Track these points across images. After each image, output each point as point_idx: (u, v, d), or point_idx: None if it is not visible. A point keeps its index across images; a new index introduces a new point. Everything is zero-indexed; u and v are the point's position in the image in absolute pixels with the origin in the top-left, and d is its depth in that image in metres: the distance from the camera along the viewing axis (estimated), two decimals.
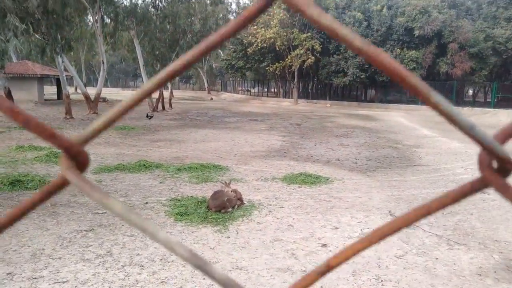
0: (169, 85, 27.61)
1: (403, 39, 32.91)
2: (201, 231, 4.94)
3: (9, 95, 17.59)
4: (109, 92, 46.35)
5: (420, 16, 31.24)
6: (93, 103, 20.34)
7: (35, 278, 3.61)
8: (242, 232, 4.94)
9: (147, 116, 20.19)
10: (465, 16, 33.27)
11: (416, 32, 31.46)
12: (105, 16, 19.93)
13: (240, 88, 58.90)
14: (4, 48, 8.17)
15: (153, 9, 22.03)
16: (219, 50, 46.44)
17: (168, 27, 22.58)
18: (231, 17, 23.85)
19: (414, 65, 31.92)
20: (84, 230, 4.81)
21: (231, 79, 58.40)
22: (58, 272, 3.73)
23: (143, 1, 22.67)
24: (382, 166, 9.64)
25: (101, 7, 18.70)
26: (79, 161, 0.36)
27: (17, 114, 0.34)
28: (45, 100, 27.90)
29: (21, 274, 3.66)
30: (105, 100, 30.96)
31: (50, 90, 38.09)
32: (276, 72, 37.12)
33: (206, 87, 59.57)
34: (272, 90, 53.10)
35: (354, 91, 43.40)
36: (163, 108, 25.24)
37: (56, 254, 4.12)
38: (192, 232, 4.89)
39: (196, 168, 8.47)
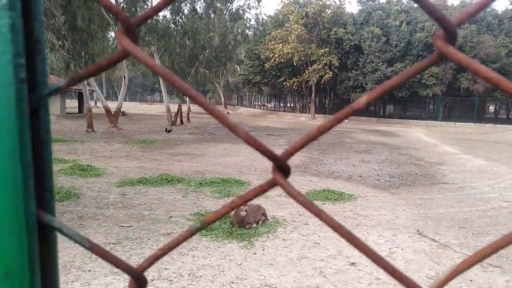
0: (187, 99, 27.97)
1: (423, 54, 32.69)
2: (227, 246, 4.90)
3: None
4: (127, 106, 47.19)
5: None
6: (114, 117, 20.71)
7: None
8: (268, 248, 4.89)
9: (165, 130, 20.44)
10: (486, 31, 32.92)
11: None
12: None
13: (256, 103, 59.32)
14: None
15: (173, 25, 22.50)
16: (236, 65, 47.01)
17: (187, 42, 22.99)
18: (249, 32, 24.13)
19: (434, 81, 31.60)
20: (112, 243, 4.84)
21: (247, 93, 58.85)
22: (88, 285, 3.74)
23: (164, 18, 23.18)
24: (406, 184, 9.47)
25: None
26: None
27: None
28: (67, 113, 28.55)
29: None
30: (124, 114, 31.49)
31: (70, 104, 39.04)
32: (293, 87, 37.25)
33: (222, 101, 60.10)
34: (288, 104, 53.22)
35: (372, 106, 43.11)
36: (181, 122, 25.53)
37: (86, 267, 4.14)
38: (218, 247, 4.85)
39: (218, 183, 8.48)
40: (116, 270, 4.11)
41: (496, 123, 31.68)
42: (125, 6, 18.86)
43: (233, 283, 3.92)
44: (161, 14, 22.54)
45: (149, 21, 21.00)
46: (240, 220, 5.51)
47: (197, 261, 4.41)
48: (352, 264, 4.51)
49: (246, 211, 5.51)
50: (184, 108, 29.21)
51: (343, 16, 35.53)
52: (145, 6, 20.06)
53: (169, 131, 20.13)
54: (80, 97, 29.98)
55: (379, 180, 9.84)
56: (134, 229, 5.42)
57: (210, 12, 22.14)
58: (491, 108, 47.49)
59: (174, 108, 26.16)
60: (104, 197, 7.08)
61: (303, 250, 4.89)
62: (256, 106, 57.11)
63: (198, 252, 4.69)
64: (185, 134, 19.88)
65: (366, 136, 22.50)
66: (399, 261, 4.63)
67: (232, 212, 6.11)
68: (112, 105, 22.58)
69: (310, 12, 34.08)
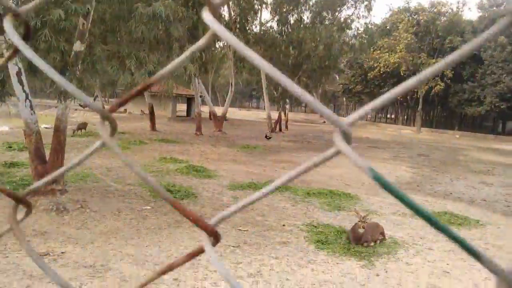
0: (287, 107, 28.26)
1: None
2: (345, 263, 4.70)
3: (152, 110, 19.97)
4: (227, 111, 49.47)
5: None
6: (219, 122, 21.81)
7: (197, 287, 3.80)
8: (392, 271, 4.56)
9: (266, 136, 20.86)
10: None
11: None
12: None
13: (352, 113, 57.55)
14: (180, 73, 9.27)
15: (278, 35, 22.95)
16: (335, 74, 46.21)
17: (292, 51, 23.24)
18: (356, 41, 23.48)
19: None
20: (232, 246, 4.98)
21: (345, 103, 57.46)
22: (216, 286, 3.87)
23: (271, 28, 23.77)
24: None
25: (234, 34, 20.19)
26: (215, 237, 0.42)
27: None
28: (177, 116, 30.96)
29: (185, 281, 3.90)
30: (226, 119, 33.08)
31: (179, 108, 42.33)
32: (399, 98, 35.26)
33: None
34: (388, 115, 50.58)
35: (488, 122, 38.68)
36: (280, 129, 25.83)
37: (212, 267, 4.31)
38: (337, 263, 4.68)
39: (326, 194, 8.29)
40: (239, 273, 4.21)
41: None
42: (238, 18, 19.84)
43: None
44: (268, 24, 23.22)
45: (258, 30, 21.71)
46: (357, 237, 5.26)
47: (318, 276, 4.30)
48: None
49: (363, 228, 5.24)
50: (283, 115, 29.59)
51: (460, 24, 32.62)
52: (256, 17, 20.86)
53: (269, 138, 20.51)
54: (188, 101, 32.28)
55: (509, 206, 8.67)
56: (251, 234, 5.53)
57: (317, 21, 22.10)
58: None
59: (273, 115, 26.67)
60: (219, 199, 7.40)
61: (431, 278, 4.46)
62: None
63: (317, 265, 4.58)
64: (284, 142, 20.06)
65: (483, 154, 20.19)
66: None
67: (346, 226, 5.91)
68: (217, 111, 23.83)
69: (422, 20, 31.99)
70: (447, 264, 4.91)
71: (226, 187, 8.44)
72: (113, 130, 0.46)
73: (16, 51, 0.45)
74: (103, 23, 7.63)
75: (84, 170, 8.64)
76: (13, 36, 0.42)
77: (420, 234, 6.06)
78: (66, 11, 5.21)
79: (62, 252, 4.41)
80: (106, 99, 40.48)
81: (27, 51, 0.43)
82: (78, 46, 5.97)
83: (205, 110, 26.80)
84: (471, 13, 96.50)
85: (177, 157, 11.82)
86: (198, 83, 19.81)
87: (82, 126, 16.71)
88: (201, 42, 0.42)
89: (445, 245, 5.64)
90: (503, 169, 15.05)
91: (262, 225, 5.97)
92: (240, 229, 5.65)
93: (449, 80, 31.52)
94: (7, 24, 0.42)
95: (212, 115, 22.57)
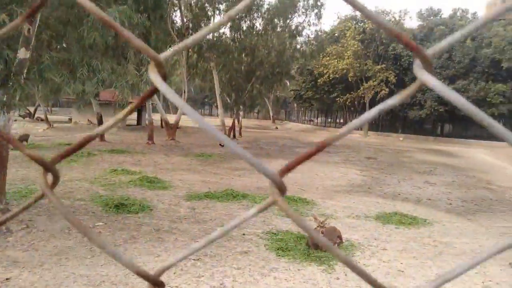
0: (241, 113, 28.38)
1: (489, 72, 30.92)
2: (307, 269, 4.77)
3: (101, 120, 19.16)
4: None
5: (510, 47, 29.24)
6: (172, 130, 21.41)
7: None
8: (351, 274, 4.69)
9: (220, 144, 20.76)
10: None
11: (504, 64, 29.41)
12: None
13: (303, 118, 59.09)
14: (137, 81, 8.91)
15: (231, 42, 23.03)
16: (286, 80, 47.19)
17: (245, 58, 23.40)
18: (307, 48, 24.10)
19: (501, 99, 29.69)
20: (193, 259, 4.88)
21: (295, 108, 58.74)
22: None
23: (223, 35, 23.80)
24: (482, 210, 8.84)
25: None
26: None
27: None
28: (127, 125, 29.97)
29: None
30: (178, 127, 32.54)
31: (129, 116, 40.94)
32: (346, 103, 36.64)
33: (271, 116, 60.35)
34: (337, 120, 52.34)
35: (429, 124, 41.26)
36: (234, 136, 25.85)
37: (173, 282, 4.19)
38: (299, 270, 4.74)
39: None
40: (211, 284, 4.13)
41: None
42: (190, 24, 19.65)
43: None
44: (221, 30, 23.20)
45: (210, 38, 21.62)
46: (316, 242, 5.36)
47: (281, 284, 4.32)
48: None
49: (322, 233, 5.36)
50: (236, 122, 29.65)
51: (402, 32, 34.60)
52: (209, 23, 20.75)
53: (223, 145, 20.42)
54: (138, 109, 31.37)
55: (451, 204, 9.27)
56: (211, 245, 5.44)
57: (269, 28, 22.44)
58: None
59: (226, 122, 26.62)
60: (176, 211, 7.23)
61: (387, 278, 4.64)
62: (306, 121, 56.83)
63: (279, 273, 4.60)
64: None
65: (425, 156, 21.48)
66: None
67: (304, 232, 6.00)
68: (170, 118, 23.39)
69: (367, 28, 33.57)
70: (401, 263, 5.15)
71: (182, 198, 8.27)
72: (55, 181, 0.46)
73: None
74: (48, 28, 7.22)
75: (28, 186, 8.11)
76: None
77: (374, 236, 6.30)
78: (11, 15, 4.86)
79: (6, 279, 4.08)
80: (49, 108, 38.29)
81: None
82: (22, 53, 5.59)
83: (156, 118, 26.20)
84: (411, 22, 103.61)
85: (129, 169, 11.41)
86: None
87: (24, 137, 15.68)
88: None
89: (397, 245, 5.91)
90: (444, 169, 16.09)
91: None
92: (199, 242, 5.54)
93: (393, 85, 33.27)
94: None
95: (165, 123, 22.12)
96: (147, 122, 23.00)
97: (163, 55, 0.42)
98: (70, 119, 32.01)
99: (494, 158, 22.09)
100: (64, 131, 24.12)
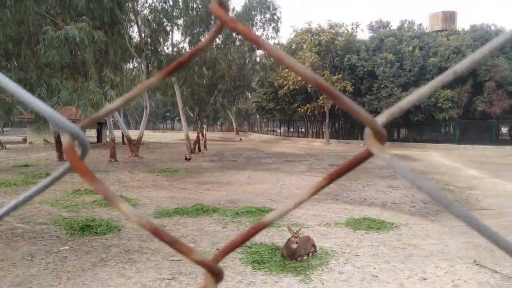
0: (205, 126, 28.20)
1: None
2: (284, 280, 4.77)
3: (58, 139, 18.32)
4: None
5: (454, 56, 31.22)
6: (135, 146, 20.89)
7: None
8: (328, 282, 4.74)
9: (185, 158, 20.52)
10: (499, 54, 33.00)
11: None
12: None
13: (267, 129, 59.69)
14: (100, 99, 8.61)
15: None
16: (247, 92, 47.59)
17: (206, 72, 23.40)
18: (267, 61, 24.51)
19: (450, 104, 31.51)
20: (167, 279, 4.74)
21: (258, 120, 59.23)
22: None
23: (183, 49, 23.70)
24: (443, 210, 9.24)
25: (147, 55, 19.69)
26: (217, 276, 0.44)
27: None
28: None
29: None
30: (141, 143, 31.80)
31: (87, 134, 39.61)
32: (307, 112, 37.42)
33: (234, 128, 60.48)
34: (299, 130, 53.30)
35: (386, 130, 42.88)
36: (199, 150, 25.62)
37: None
38: (276, 282, 4.73)
39: (254, 212, 8.37)
40: None
41: None
42: (149, 39, 19.39)
43: None
44: (180, 45, 23.08)
45: (170, 52, 21.44)
46: (291, 253, 5.39)
47: None
48: None
49: (297, 243, 5.39)
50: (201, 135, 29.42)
51: (355, 43, 36.02)
52: (168, 38, 20.59)
53: (189, 159, 20.19)
54: (98, 127, 30.37)
55: (414, 207, 9.64)
56: (185, 263, 5.32)
57: (228, 42, 22.62)
58: (504, 130, 46.77)
59: (190, 135, 26.35)
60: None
61: (363, 284, 4.73)
62: (268, 132, 57.39)
63: (257, 287, 4.57)
64: (205, 162, 19.90)
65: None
66: None
67: (278, 243, 6.03)
68: (132, 134, 22.83)
69: (323, 40, 34.64)
70: (374, 268, 5.26)
71: (150, 215, 8.05)
72: (84, 152, 0.43)
73: None
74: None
75: None
76: None
77: (346, 242, 6.42)
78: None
79: None
80: (0, 129, 36.22)
81: None
82: None
83: (117, 134, 25.46)
84: (363, 34, 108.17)
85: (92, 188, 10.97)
86: None
87: None
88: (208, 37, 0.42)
89: (369, 250, 6.05)
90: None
91: (195, 252, 5.79)
92: (172, 259, 5.41)
93: (350, 95, 34.41)
94: None
95: (127, 140, 21.54)
96: (107, 140, 22.36)
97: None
98: (25, 139, 30.44)
99: (450, 160, 23.27)
100: (19, 152, 22.86)
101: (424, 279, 4.93)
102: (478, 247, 6.28)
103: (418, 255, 5.83)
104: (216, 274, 0.44)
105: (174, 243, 0.42)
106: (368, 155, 0.41)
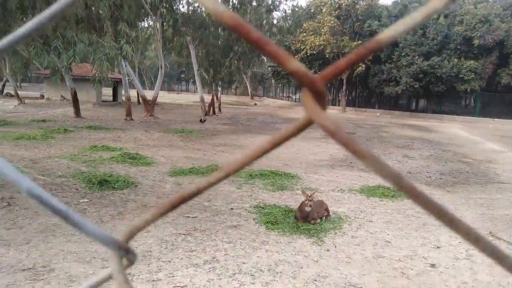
0: (219, 89, 28.02)
1: (461, 49, 31.52)
2: (297, 242, 4.83)
3: (75, 95, 18.46)
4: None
5: (481, 25, 29.81)
6: (150, 106, 20.95)
7: (153, 280, 3.64)
8: (340, 246, 4.79)
9: (200, 120, 20.54)
10: None
11: (476, 42, 30.04)
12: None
13: (281, 94, 59.01)
14: (116, 54, 8.51)
15: (206, 16, 22.45)
16: (263, 56, 46.73)
17: (222, 33, 22.92)
18: (284, 24, 23.80)
19: (473, 75, 30.47)
20: (183, 234, 4.85)
21: (273, 85, 58.54)
22: (173, 276, 3.75)
23: (199, 8, 23.12)
24: (460, 182, 9.15)
25: (162, 13, 19.30)
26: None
27: None
28: (102, 101, 29.12)
29: (139, 275, 3.71)
30: (156, 103, 31.87)
31: (103, 92, 39.76)
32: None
33: (249, 92, 59.96)
34: None
35: (404, 100, 42.06)
36: (214, 112, 25.59)
37: (165, 257, 4.16)
38: (289, 242, 4.79)
39: (268, 175, 8.41)
40: (194, 262, 4.12)
41: None
42: None
43: (316, 280, 3.85)
44: (196, 4, 22.50)
45: (185, 11, 20.93)
46: (305, 215, 5.43)
47: (272, 256, 4.36)
48: (432, 265, 4.36)
49: (311, 206, 5.42)
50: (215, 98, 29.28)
51: (377, 8, 34.64)
52: None
53: (203, 121, 20.22)
54: (114, 85, 30.41)
55: (430, 177, 9.55)
56: (200, 220, 5.42)
57: (245, 2, 21.95)
58: None
59: (208, 98, 26.25)
60: (161, 187, 7.14)
61: (376, 248, 4.76)
62: (283, 97, 56.78)
63: (271, 246, 4.64)
64: (219, 125, 19.92)
65: (402, 130, 21.95)
66: (480, 265, 4.44)
67: (291, 205, 6.08)
68: (148, 94, 22.85)
69: (343, 4, 33.37)
70: (387, 234, 5.28)
71: (166, 174, 8.16)
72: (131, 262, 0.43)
73: None
74: None
75: None
76: None
77: (359, 208, 6.43)
78: None
79: None
80: (18, 83, 36.64)
81: None
82: None
83: (132, 94, 25.52)
84: None
85: (109, 145, 11.14)
86: (126, 65, 18.71)
87: None
88: None
89: (383, 217, 6.06)
90: (421, 143, 16.52)
91: (210, 210, 5.89)
92: (188, 216, 5.51)
93: (369, 62, 33.54)
94: None
95: (142, 99, 21.59)
96: (123, 98, 22.44)
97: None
98: (42, 95, 30.78)
99: (468, 133, 22.82)
100: (37, 107, 23.21)
101: (438, 247, 4.93)
102: (494, 219, 6.24)
103: (432, 224, 5.81)
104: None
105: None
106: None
